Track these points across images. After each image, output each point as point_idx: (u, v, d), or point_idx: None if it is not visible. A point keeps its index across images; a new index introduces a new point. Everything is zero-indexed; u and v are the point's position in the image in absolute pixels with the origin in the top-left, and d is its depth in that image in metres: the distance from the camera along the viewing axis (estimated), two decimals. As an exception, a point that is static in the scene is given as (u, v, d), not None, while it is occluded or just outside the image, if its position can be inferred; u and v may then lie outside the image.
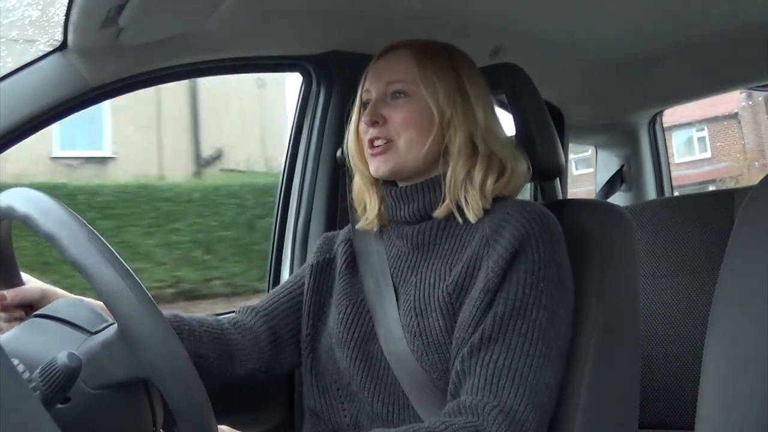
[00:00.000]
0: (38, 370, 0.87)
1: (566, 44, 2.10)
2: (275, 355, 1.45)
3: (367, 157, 1.35)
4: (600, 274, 1.31)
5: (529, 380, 1.13)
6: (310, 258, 1.51)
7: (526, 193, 2.49)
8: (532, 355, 1.14)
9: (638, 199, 2.84)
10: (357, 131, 1.38)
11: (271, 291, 1.53)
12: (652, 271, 2.09)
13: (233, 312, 1.51)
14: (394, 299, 1.30)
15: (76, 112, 1.46)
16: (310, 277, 1.45)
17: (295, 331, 1.45)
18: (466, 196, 1.27)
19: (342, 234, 1.50)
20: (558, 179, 1.68)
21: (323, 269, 1.46)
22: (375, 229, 1.40)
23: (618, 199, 2.86)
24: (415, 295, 1.27)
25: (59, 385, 0.87)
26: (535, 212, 1.22)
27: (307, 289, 1.45)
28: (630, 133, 2.86)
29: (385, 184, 1.39)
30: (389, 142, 1.31)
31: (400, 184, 1.36)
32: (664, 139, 2.96)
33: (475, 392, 1.14)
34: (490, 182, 1.28)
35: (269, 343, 1.44)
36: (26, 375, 0.87)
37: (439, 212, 1.30)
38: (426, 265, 1.30)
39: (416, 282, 1.29)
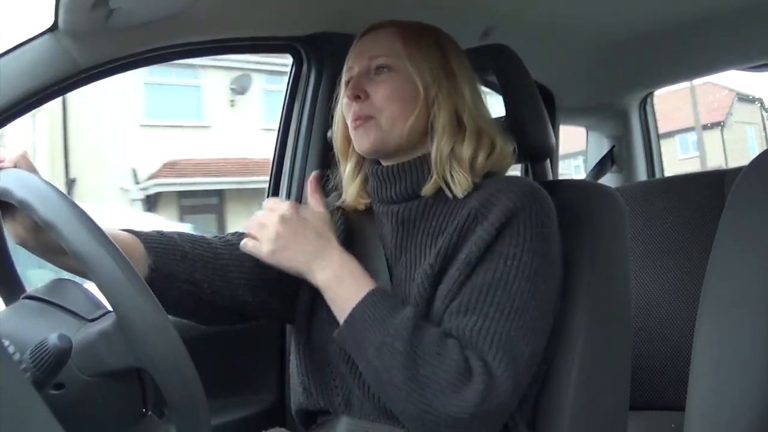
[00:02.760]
0: (29, 351, 0.87)
1: (557, 25, 2.10)
2: (270, 292, 1.35)
3: (351, 134, 1.33)
4: (591, 255, 1.32)
5: (506, 347, 1.12)
6: None
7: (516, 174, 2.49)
8: (510, 323, 1.13)
9: (629, 180, 2.85)
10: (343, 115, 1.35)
11: None
12: (643, 252, 2.10)
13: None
14: (389, 281, 1.29)
15: (66, 93, 1.45)
16: None
17: (290, 279, 1.32)
18: (452, 171, 1.26)
19: (330, 204, 1.43)
20: (549, 160, 1.68)
21: None
22: (362, 209, 1.39)
23: (608, 180, 2.87)
24: (404, 275, 1.26)
25: (50, 365, 0.87)
26: (525, 186, 1.22)
27: None
28: (621, 114, 2.86)
29: (369, 163, 1.37)
30: (371, 118, 1.29)
31: (384, 163, 1.34)
32: (655, 120, 2.96)
33: None
34: (481, 158, 1.28)
35: (265, 277, 1.33)
36: (17, 356, 0.87)
37: (427, 189, 1.28)
38: (413, 242, 1.29)
39: (405, 261, 1.28)
